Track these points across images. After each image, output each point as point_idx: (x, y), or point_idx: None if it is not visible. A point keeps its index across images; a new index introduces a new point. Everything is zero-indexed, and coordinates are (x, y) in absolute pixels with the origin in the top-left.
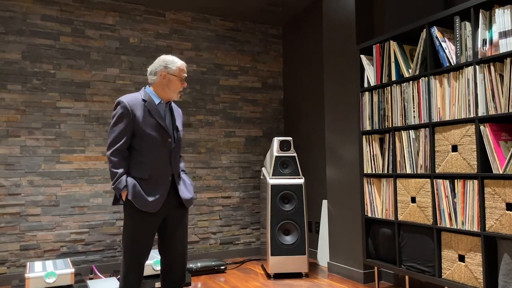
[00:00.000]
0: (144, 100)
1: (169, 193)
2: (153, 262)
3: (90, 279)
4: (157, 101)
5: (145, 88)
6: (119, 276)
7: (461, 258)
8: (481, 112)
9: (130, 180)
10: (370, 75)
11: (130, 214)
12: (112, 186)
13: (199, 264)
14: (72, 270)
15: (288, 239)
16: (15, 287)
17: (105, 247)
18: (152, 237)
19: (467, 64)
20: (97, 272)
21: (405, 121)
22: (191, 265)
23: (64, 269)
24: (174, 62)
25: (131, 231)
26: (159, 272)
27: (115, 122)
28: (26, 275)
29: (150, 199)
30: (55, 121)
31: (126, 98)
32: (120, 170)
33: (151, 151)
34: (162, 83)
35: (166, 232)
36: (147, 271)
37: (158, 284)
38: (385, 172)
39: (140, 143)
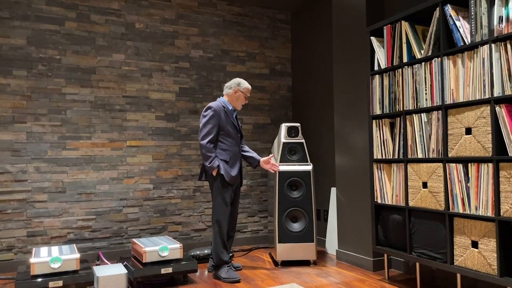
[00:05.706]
0: (223, 106)
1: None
2: (159, 248)
3: (97, 265)
4: (230, 108)
5: (220, 98)
6: (125, 262)
7: (474, 244)
8: (497, 92)
9: (220, 161)
10: (381, 57)
11: (222, 184)
12: (208, 165)
13: (205, 251)
14: (78, 255)
15: (296, 226)
16: (21, 273)
17: (112, 234)
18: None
19: (482, 43)
20: (104, 259)
21: (416, 104)
22: (197, 252)
23: (69, 254)
24: (244, 83)
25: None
26: (165, 259)
27: (207, 121)
28: (31, 260)
29: (233, 174)
30: (61, 107)
31: (214, 104)
32: (213, 154)
33: (230, 141)
34: (233, 96)
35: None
36: (153, 258)
37: (164, 270)
38: (396, 157)
39: (224, 135)
